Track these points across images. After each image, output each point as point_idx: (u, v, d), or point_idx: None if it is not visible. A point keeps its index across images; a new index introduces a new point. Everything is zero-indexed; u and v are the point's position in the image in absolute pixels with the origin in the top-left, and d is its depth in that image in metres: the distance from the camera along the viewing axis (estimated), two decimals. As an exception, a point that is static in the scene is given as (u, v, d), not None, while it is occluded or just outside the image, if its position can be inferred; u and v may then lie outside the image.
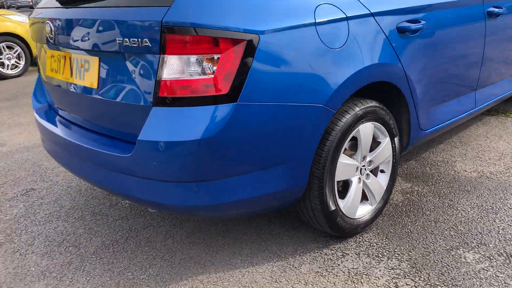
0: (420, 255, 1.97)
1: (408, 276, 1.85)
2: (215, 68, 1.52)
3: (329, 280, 1.85)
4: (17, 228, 2.46)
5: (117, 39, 1.60)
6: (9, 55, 6.87)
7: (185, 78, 1.53)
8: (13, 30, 6.82)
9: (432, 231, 2.15)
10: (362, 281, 1.83)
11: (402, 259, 1.95)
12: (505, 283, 1.78)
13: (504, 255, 1.95)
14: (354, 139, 2.01)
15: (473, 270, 1.86)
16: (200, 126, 1.53)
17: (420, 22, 2.12)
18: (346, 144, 1.93)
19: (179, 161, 1.56)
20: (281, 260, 2.01)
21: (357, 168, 2.03)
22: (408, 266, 1.91)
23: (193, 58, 1.52)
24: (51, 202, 2.75)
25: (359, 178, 2.06)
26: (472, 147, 3.11)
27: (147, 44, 1.53)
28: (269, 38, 1.58)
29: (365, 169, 2.08)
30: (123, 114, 1.72)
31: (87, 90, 1.82)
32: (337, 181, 1.94)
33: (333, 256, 2.01)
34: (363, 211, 2.12)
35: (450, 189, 2.54)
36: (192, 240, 2.21)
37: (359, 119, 1.92)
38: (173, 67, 1.53)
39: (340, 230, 2.01)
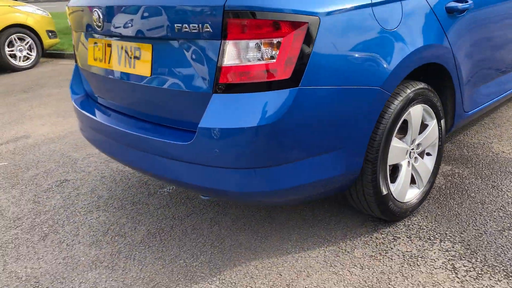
0: (473, 237, 1.97)
1: (464, 257, 1.84)
2: (277, 52, 1.50)
3: (384, 264, 1.85)
4: (59, 219, 2.46)
5: (175, 25, 1.57)
6: (21, 47, 6.82)
7: (247, 64, 1.51)
8: (24, 21, 6.77)
9: (480, 212, 2.14)
10: (419, 264, 1.83)
11: (455, 241, 1.95)
12: None
13: (558, 235, 1.95)
14: (403, 123, 1.99)
15: (528, 251, 1.86)
16: (263, 112, 1.51)
17: (467, 1, 2.08)
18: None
19: (241, 147, 1.55)
20: (332, 245, 2.01)
21: (406, 151, 2.01)
22: (462, 247, 1.90)
23: (255, 43, 1.49)
24: (88, 192, 2.75)
25: (408, 161, 2.05)
26: (506, 128, 3.09)
27: (207, 29, 1.51)
28: (329, 20, 1.55)
29: (413, 152, 2.07)
30: (179, 102, 1.70)
31: (138, 78, 1.79)
32: (388, 165, 1.93)
33: (384, 240, 2.00)
34: (412, 195, 2.11)
35: (491, 171, 2.53)
36: (238, 227, 2.21)
37: (410, 102, 1.90)
38: (234, 53, 1.50)
39: (391, 214, 2.00)
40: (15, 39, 6.72)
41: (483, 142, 2.89)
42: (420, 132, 2.09)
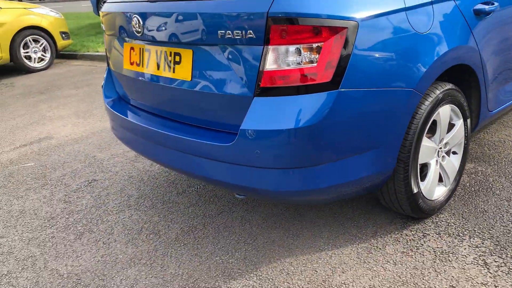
0: (501, 233, 2.02)
1: (494, 253, 1.90)
2: (317, 56, 1.56)
3: (417, 260, 1.91)
4: (92, 218, 2.53)
5: (218, 31, 1.63)
6: (35, 48, 6.91)
7: (289, 68, 1.57)
8: (39, 23, 6.85)
9: (506, 210, 2.19)
10: (450, 259, 1.89)
11: (484, 237, 2.00)
12: None
13: None
14: (432, 122, 2.04)
15: (557, 246, 1.91)
16: (304, 114, 1.57)
17: (493, 3, 2.13)
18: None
19: (282, 149, 1.61)
20: (363, 242, 2.07)
21: (435, 150, 2.07)
22: (492, 244, 1.96)
23: (296, 47, 1.55)
24: (117, 192, 2.82)
25: (437, 160, 2.10)
26: (525, 127, 3.14)
27: (250, 35, 1.57)
28: (366, 24, 1.61)
29: (441, 151, 2.12)
30: (218, 105, 1.76)
31: (178, 82, 1.86)
32: (419, 164, 1.98)
33: (414, 237, 2.06)
34: (439, 193, 2.17)
35: (514, 169, 2.58)
36: (269, 225, 2.28)
37: (440, 102, 1.95)
38: (276, 58, 1.56)
39: (420, 212, 2.06)
40: (30, 41, 6.81)
41: (503, 140, 2.94)
42: (448, 132, 2.14)
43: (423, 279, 1.79)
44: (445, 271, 1.83)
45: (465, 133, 2.22)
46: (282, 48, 1.55)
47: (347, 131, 1.66)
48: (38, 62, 7.00)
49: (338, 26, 1.55)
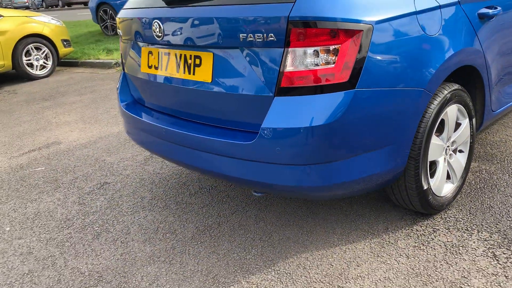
0: (508, 227, 2.10)
1: (502, 246, 1.98)
2: (335, 58, 1.64)
3: (428, 253, 1.98)
4: (108, 219, 2.59)
5: (240, 35, 1.71)
6: (37, 56, 6.96)
7: (308, 69, 1.65)
8: (41, 31, 6.91)
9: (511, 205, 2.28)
10: (461, 252, 1.96)
11: (492, 231, 2.08)
12: None
13: None
14: (440, 122, 2.13)
15: (562, 239, 1.99)
16: (323, 112, 1.65)
17: (497, 8, 2.23)
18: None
19: (302, 146, 1.68)
20: (375, 237, 2.14)
21: (443, 148, 2.15)
22: (500, 237, 2.04)
23: (315, 49, 1.63)
24: (130, 194, 2.88)
25: (444, 158, 2.19)
26: (525, 127, 3.23)
27: (272, 38, 1.65)
28: (381, 27, 1.69)
29: (449, 149, 2.21)
30: (239, 105, 1.83)
31: (198, 84, 1.93)
32: (428, 161, 2.07)
33: (425, 232, 2.14)
34: (447, 189, 2.25)
35: (517, 167, 2.67)
36: (283, 222, 2.34)
37: (447, 102, 2.04)
38: (296, 59, 1.64)
39: (430, 207, 2.14)
40: (32, 49, 6.87)
41: (505, 140, 3.04)
42: (455, 130, 2.23)
43: (436, 271, 1.87)
44: (456, 263, 1.90)
45: (470, 132, 2.31)
46: (302, 50, 1.64)
47: (363, 128, 1.74)
48: (40, 70, 7.05)
49: (355, 29, 1.63)
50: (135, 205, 2.72)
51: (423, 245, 2.04)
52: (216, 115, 1.95)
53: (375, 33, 1.68)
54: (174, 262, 2.12)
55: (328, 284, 1.86)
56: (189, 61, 1.95)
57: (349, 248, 2.08)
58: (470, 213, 2.24)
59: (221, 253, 2.15)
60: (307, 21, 1.60)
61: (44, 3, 30.74)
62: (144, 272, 2.08)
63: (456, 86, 2.10)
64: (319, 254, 2.06)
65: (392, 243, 2.08)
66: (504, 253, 1.93)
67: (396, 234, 2.14)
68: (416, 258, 1.96)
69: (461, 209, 2.29)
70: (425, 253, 1.98)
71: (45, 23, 7.06)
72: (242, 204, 2.58)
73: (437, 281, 1.81)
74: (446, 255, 1.96)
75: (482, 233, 2.08)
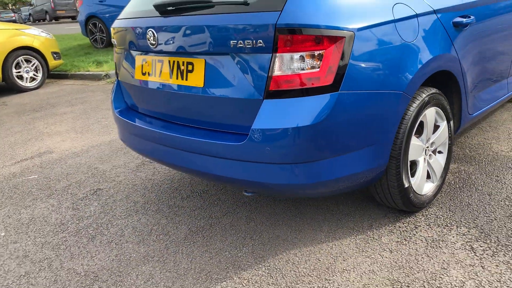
0: (485, 222, 2.22)
1: (479, 239, 2.09)
2: (320, 62, 1.76)
3: (411, 247, 2.09)
4: (102, 222, 2.66)
5: (230, 41, 1.82)
6: (27, 68, 7.02)
7: (294, 73, 1.77)
8: (31, 43, 6.98)
9: (488, 202, 2.40)
10: (441, 246, 2.08)
11: (470, 227, 2.20)
12: None
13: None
14: (419, 124, 2.26)
15: (535, 232, 2.12)
16: (309, 113, 1.76)
17: (470, 17, 2.38)
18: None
19: (289, 145, 1.79)
20: (360, 234, 2.25)
21: (423, 149, 2.28)
22: (477, 232, 2.16)
23: (301, 55, 1.75)
24: (123, 199, 2.95)
25: (424, 158, 2.31)
26: (502, 131, 3.39)
27: (260, 44, 1.76)
28: (362, 34, 1.82)
29: (428, 149, 2.34)
30: (230, 109, 1.94)
31: (190, 89, 2.03)
32: (409, 161, 2.19)
33: (407, 228, 2.25)
34: (428, 188, 2.37)
35: (494, 167, 2.80)
36: (273, 222, 2.44)
37: (426, 105, 2.17)
38: (284, 64, 1.76)
39: (411, 205, 2.25)
40: (22, 61, 6.92)
41: (483, 143, 3.18)
42: (433, 132, 2.36)
43: (417, 264, 1.97)
44: (436, 256, 2.01)
45: (449, 134, 2.44)
46: (289, 55, 1.75)
47: (347, 129, 1.85)
48: (30, 82, 7.10)
49: (337, 36, 1.76)
50: (129, 209, 2.79)
51: (406, 240, 2.15)
52: (208, 118, 2.05)
53: (357, 40, 1.81)
54: (168, 261, 2.20)
55: (316, 278, 1.96)
56: (182, 67, 2.06)
57: (335, 244, 2.18)
58: (449, 210, 2.37)
59: (214, 251, 2.23)
60: (293, 28, 1.72)
61: (31, 17, 30.70)
62: (139, 271, 2.15)
63: (434, 90, 2.23)
64: (307, 250, 2.15)
65: (376, 239, 2.19)
66: (481, 246, 2.05)
67: (380, 230, 2.25)
68: (398, 252, 2.07)
69: (441, 207, 2.41)
70: (407, 248, 2.09)
71: (35, 35, 7.13)
72: (233, 206, 2.67)
73: (418, 272, 1.92)
74: (427, 249, 2.07)
75: (461, 228, 2.20)
